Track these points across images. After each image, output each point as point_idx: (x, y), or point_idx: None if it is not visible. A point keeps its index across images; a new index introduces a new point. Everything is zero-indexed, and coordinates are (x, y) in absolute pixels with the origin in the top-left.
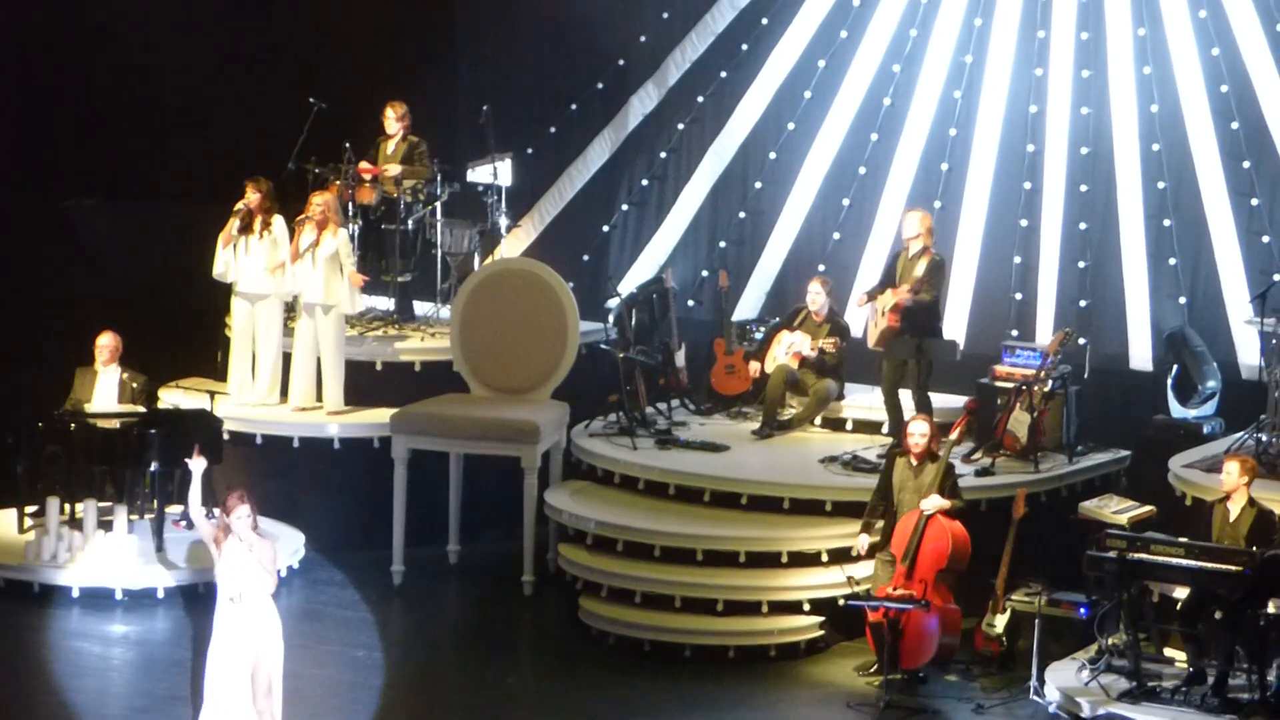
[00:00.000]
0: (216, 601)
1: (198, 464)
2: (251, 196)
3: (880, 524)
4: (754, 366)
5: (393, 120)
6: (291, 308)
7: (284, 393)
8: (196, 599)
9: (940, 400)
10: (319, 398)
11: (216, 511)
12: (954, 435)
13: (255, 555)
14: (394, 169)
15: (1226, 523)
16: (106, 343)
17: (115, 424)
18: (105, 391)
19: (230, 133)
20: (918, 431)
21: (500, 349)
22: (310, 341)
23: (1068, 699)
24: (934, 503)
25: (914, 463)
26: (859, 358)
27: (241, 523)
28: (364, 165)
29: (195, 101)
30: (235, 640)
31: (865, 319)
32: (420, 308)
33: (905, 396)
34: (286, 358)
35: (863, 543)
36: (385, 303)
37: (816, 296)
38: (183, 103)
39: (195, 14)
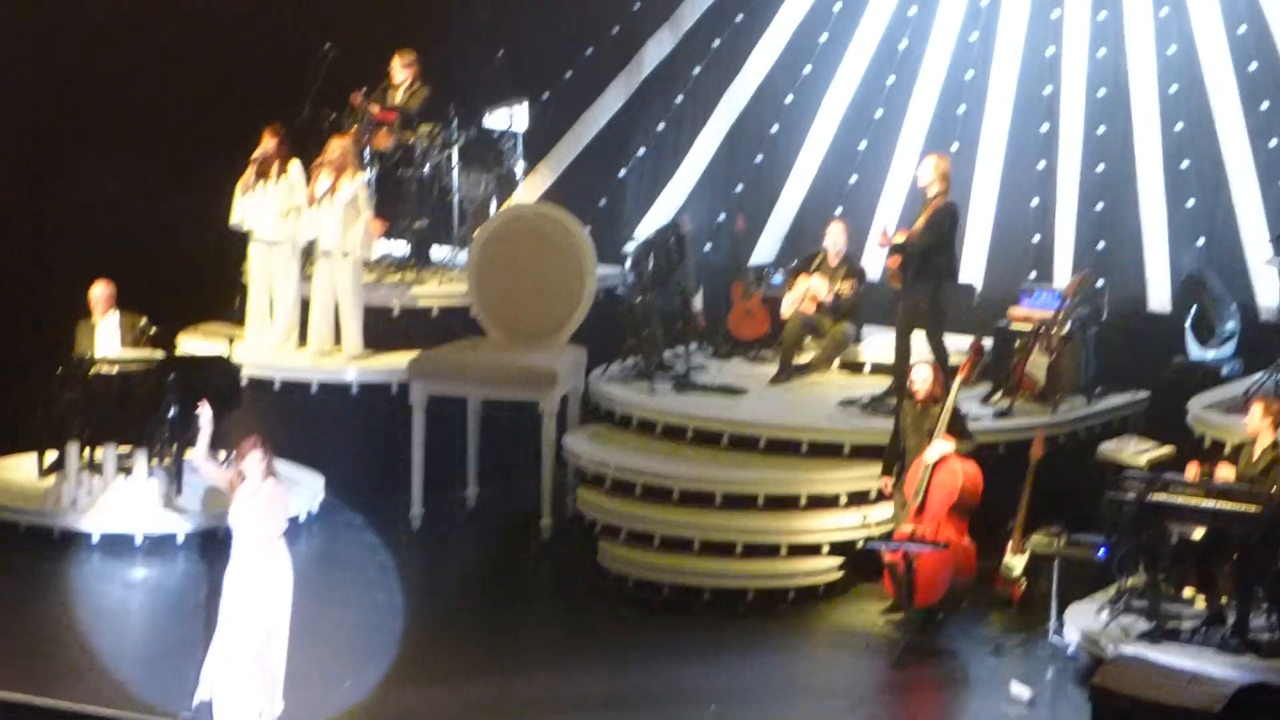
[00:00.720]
0: (234, 546)
1: (205, 413)
2: (268, 143)
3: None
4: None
5: (400, 69)
6: (308, 253)
7: (302, 338)
8: (216, 544)
9: (957, 343)
10: (337, 343)
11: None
12: (961, 377)
13: (259, 500)
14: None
15: (1250, 463)
16: (100, 293)
17: (133, 370)
18: (106, 338)
19: (245, 79)
20: (919, 377)
21: (517, 294)
22: (328, 287)
23: (1088, 640)
24: (937, 450)
25: (919, 407)
26: (876, 300)
27: (253, 468)
28: (377, 109)
29: (211, 48)
30: (241, 585)
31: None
32: (437, 253)
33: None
34: (305, 304)
35: (886, 484)
36: (402, 248)
37: (837, 238)
38: (198, 49)
39: None
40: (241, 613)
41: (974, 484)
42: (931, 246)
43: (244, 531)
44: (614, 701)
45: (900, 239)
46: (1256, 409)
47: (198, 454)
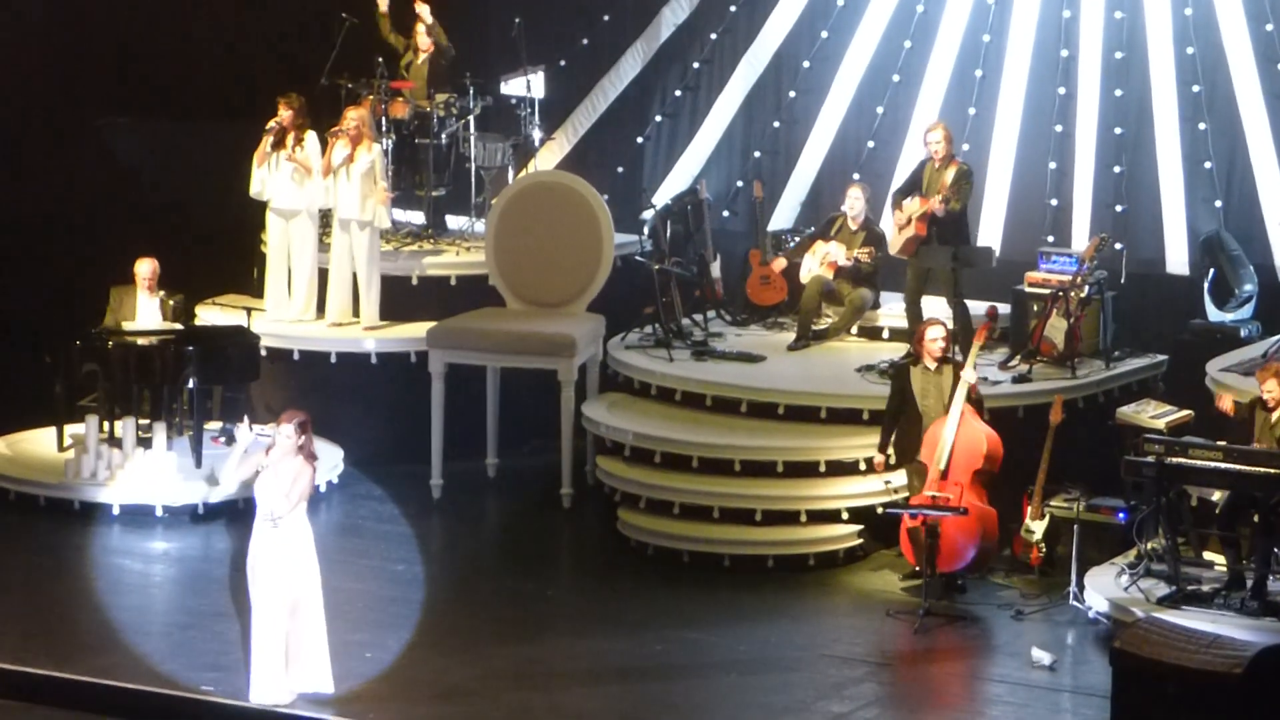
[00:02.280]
0: (255, 519)
1: (244, 434)
2: (284, 113)
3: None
4: (779, 263)
5: (422, 34)
6: (326, 223)
7: (320, 308)
8: (236, 515)
9: (974, 307)
10: (355, 313)
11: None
12: (977, 343)
13: (283, 473)
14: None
15: (1267, 426)
16: (147, 271)
17: (153, 341)
18: (147, 316)
19: (263, 49)
20: (934, 335)
21: (535, 262)
22: (345, 257)
23: (1109, 604)
24: (971, 374)
25: (932, 366)
26: (894, 266)
27: (283, 441)
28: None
29: (228, 18)
30: (266, 559)
31: (891, 226)
32: (454, 222)
33: (927, 305)
34: (323, 274)
35: (878, 460)
36: (419, 218)
37: (855, 202)
38: (215, 19)
39: None
40: (266, 586)
41: (997, 447)
42: (951, 211)
43: (267, 506)
44: (634, 670)
45: (920, 206)
46: (1272, 384)
47: (229, 462)
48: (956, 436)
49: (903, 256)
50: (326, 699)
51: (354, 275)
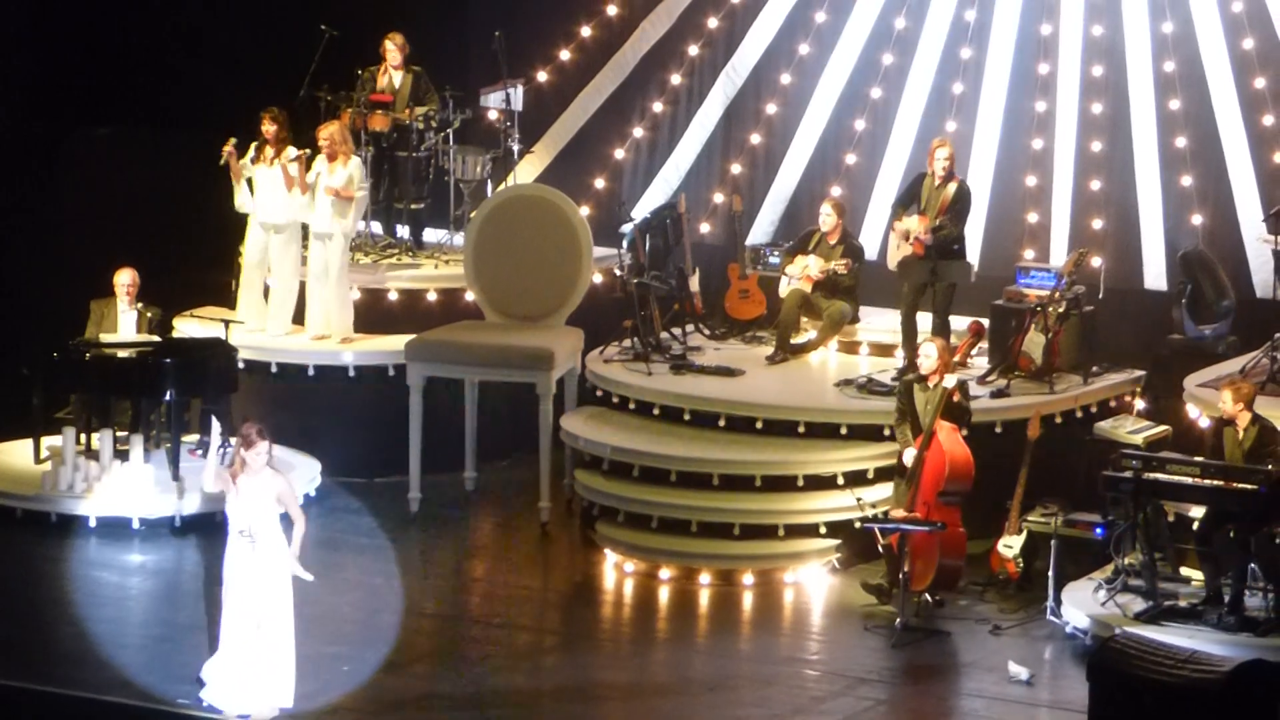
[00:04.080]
0: (228, 536)
1: (216, 429)
2: (268, 128)
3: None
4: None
5: (395, 51)
6: (304, 237)
7: (298, 321)
8: (213, 528)
9: (956, 323)
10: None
11: (233, 441)
12: (958, 358)
13: (256, 490)
14: (420, 110)
15: (1236, 444)
16: (128, 280)
17: (130, 354)
18: (126, 329)
19: (243, 60)
20: (927, 355)
21: (514, 276)
22: (322, 270)
23: (1086, 619)
24: (951, 379)
25: (929, 385)
26: (873, 280)
27: (259, 459)
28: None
29: (207, 28)
30: (245, 575)
31: (888, 240)
32: (433, 235)
33: (924, 321)
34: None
35: (909, 455)
36: (399, 230)
37: (827, 218)
38: (195, 30)
39: None
40: (248, 601)
41: (963, 467)
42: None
43: (246, 521)
44: (612, 684)
45: (920, 226)
46: (1226, 394)
47: (208, 467)
48: (924, 456)
49: (898, 270)
50: (286, 714)
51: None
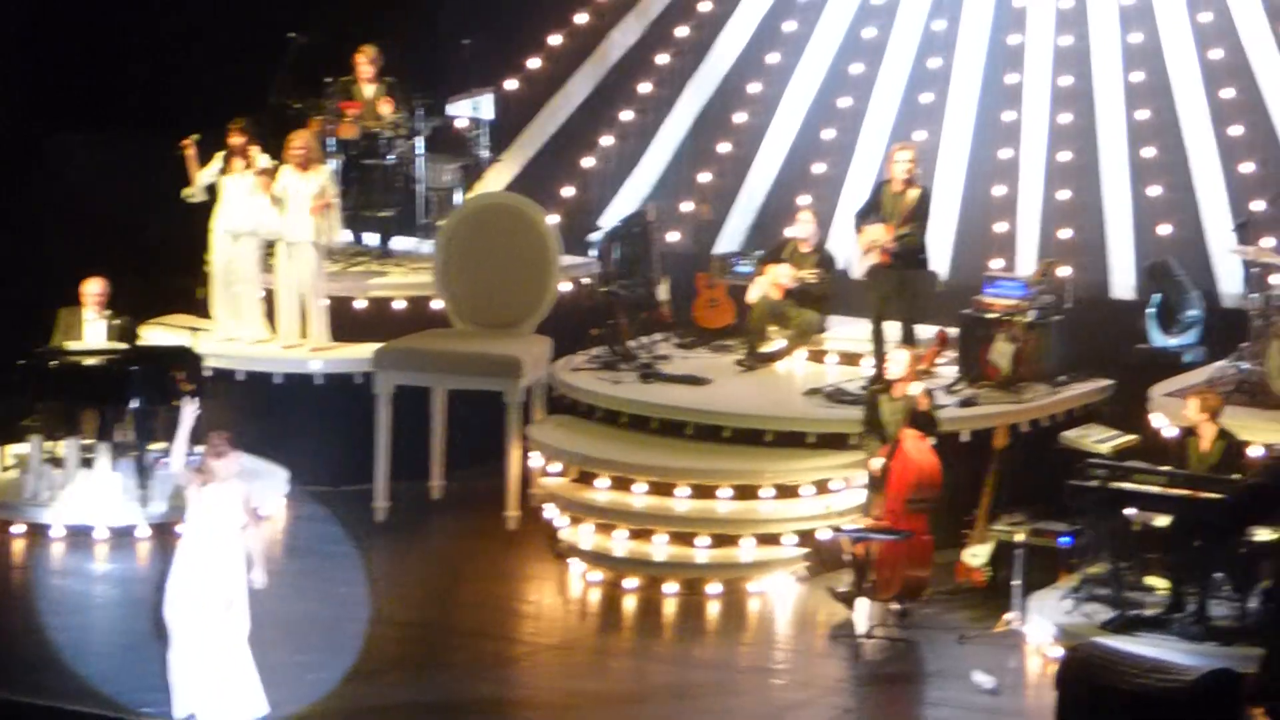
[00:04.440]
0: (182, 535)
1: (190, 408)
2: (235, 140)
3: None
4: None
5: (366, 64)
6: (272, 245)
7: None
8: (178, 537)
9: (922, 331)
10: (303, 334)
11: (199, 449)
12: (923, 366)
13: (222, 499)
14: (387, 113)
15: (1199, 455)
16: (96, 289)
17: (96, 361)
18: (94, 337)
19: (211, 67)
20: (896, 365)
21: (483, 284)
22: (292, 279)
23: (1052, 628)
24: (918, 386)
25: (895, 395)
26: (842, 289)
27: (227, 469)
28: (347, 103)
29: (176, 35)
30: (201, 573)
31: (853, 250)
32: (402, 243)
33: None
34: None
35: (876, 465)
36: (367, 238)
37: (805, 226)
38: (163, 36)
39: None
40: (207, 597)
41: (930, 476)
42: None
43: (209, 525)
44: (578, 694)
45: (885, 232)
46: (1192, 404)
47: (176, 450)
48: (890, 464)
49: (864, 280)
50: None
51: (301, 297)
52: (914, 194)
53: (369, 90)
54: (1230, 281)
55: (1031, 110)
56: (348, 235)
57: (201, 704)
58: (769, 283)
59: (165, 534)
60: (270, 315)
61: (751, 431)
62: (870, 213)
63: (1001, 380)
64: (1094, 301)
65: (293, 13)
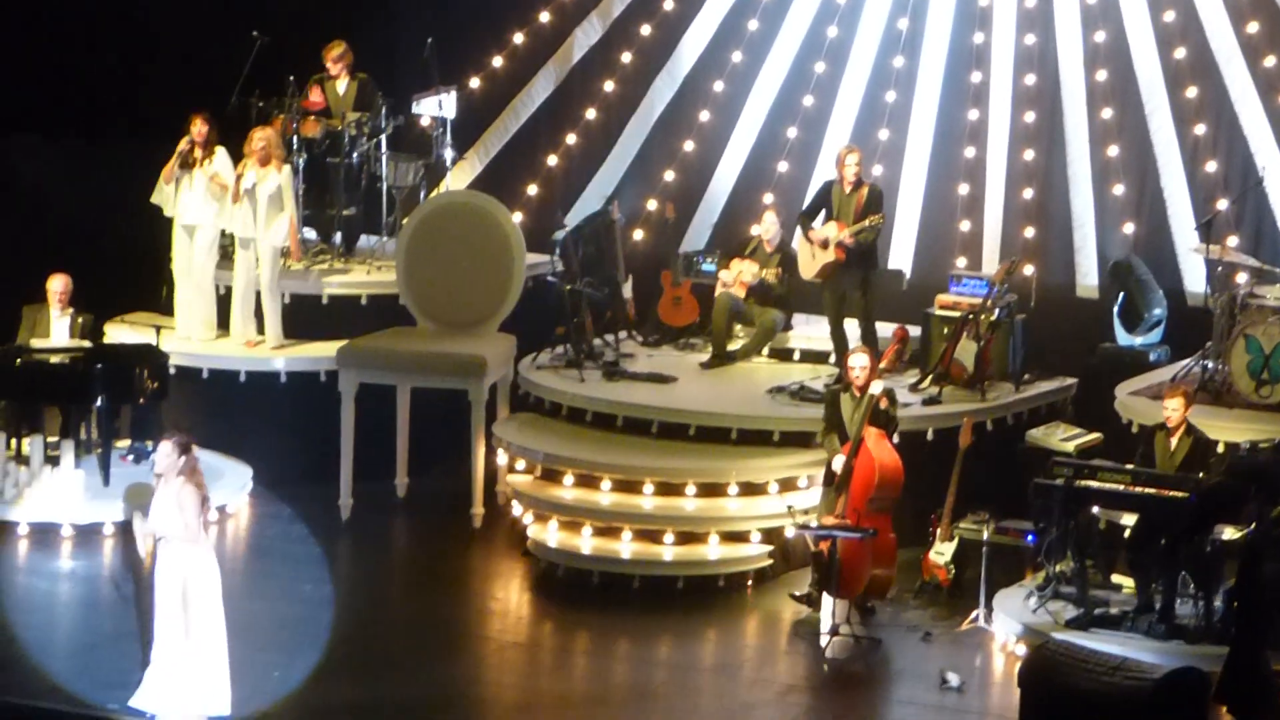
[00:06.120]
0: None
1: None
2: (199, 128)
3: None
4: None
5: (330, 62)
6: (229, 242)
7: (224, 327)
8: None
9: (883, 330)
10: (259, 331)
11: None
12: (883, 364)
13: (174, 501)
14: (352, 116)
15: (1167, 454)
16: (59, 287)
17: (60, 359)
18: (59, 335)
19: (173, 67)
20: (858, 364)
21: (446, 282)
22: (249, 277)
23: (1017, 626)
24: (878, 385)
25: (856, 395)
26: (807, 288)
27: (161, 460)
28: (314, 99)
29: (137, 36)
30: (167, 577)
31: (804, 251)
32: (366, 241)
33: (851, 327)
34: (227, 293)
35: (838, 463)
36: (331, 236)
37: (771, 225)
38: (124, 37)
39: None
40: (172, 604)
41: (892, 475)
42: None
43: (165, 531)
44: (541, 692)
45: (839, 233)
46: (1177, 401)
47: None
48: (853, 463)
49: (818, 280)
50: None
51: (257, 295)
52: (865, 191)
53: (341, 87)
54: (1194, 280)
55: (996, 109)
56: (308, 233)
57: (160, 700)
58: (734, 278)
59: (130, 532)
60: (224, 313)
61: (717, 429)
62: (815, 214)
63: (965, 379)
64: (1058, 300)
65: (255, 12)
